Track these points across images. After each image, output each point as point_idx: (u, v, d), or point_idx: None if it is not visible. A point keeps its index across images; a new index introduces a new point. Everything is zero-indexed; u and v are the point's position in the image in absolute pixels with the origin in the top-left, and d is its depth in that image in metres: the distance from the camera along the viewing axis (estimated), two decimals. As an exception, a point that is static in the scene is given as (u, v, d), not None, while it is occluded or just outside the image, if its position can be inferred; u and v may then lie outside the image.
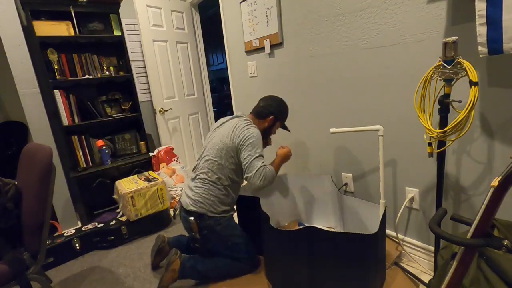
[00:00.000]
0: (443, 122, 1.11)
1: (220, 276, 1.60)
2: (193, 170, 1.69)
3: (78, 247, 2.03)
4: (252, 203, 1.60)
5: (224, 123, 1.68)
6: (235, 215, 1.71)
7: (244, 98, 2.64)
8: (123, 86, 2.68)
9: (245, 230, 1.67)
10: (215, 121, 3.46)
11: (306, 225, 1.93)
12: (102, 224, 2.15)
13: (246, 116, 1.68)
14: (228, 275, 1.60)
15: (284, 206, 2.00)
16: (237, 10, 2.37)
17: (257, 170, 1.45)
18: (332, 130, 1.53)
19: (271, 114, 1.67)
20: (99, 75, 2.52)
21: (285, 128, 1.80)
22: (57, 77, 2.28)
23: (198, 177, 1.60)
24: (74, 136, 2.41)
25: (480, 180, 1.27)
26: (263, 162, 1.49)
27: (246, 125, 1.56)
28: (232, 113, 2.84)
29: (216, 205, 1.55)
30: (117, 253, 2.03)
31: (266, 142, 1.76)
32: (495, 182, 0.66)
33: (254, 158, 1.47)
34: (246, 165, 1.48)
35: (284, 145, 1.73)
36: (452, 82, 1.07)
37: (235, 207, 1.72)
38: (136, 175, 2.46)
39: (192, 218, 1.55)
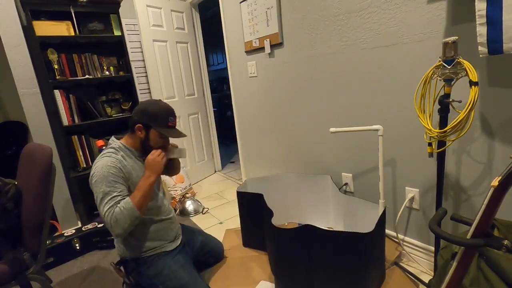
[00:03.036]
0: (443, 122, 1.11)
1: None
2: None
3: (78, 247, 2.03)
4: (256, 200, 1.61)
5: None
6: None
7: (244, 98, 2.64)
8: (123, 86, 2.68)
9: (248, 227, 1.64)
10: (215, 121, 3.51)
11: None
12: (102, 224, 2.15)
13: (124, 136, 1.38)
14: None
15: (284, 205, 2.00)
16: (237, 10, 2.37)
17: (105, 219, 1.20)
18: (332, 129, 1.53)
19: (136, 122, 1.29)
20: (99, 75, 2.52)
21: (165, 135, 1.32)
22: (57, 77, 2.28)
23: None
24: (74, 136, 2.41)
25: (480, 180, 1.27)
26: (108, 203, 1.20)
27: (97, 159, 1.32)
28: (232, 113, 2.85)
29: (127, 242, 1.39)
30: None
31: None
32: (495, 182, 0.66)
33: (99, 203, 1.23)
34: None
35: (156, 150, 1.30)
36: (452, 82, 1.07)
37: (179, 236, 1.51)
38: (136, 175, 2.46)
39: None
